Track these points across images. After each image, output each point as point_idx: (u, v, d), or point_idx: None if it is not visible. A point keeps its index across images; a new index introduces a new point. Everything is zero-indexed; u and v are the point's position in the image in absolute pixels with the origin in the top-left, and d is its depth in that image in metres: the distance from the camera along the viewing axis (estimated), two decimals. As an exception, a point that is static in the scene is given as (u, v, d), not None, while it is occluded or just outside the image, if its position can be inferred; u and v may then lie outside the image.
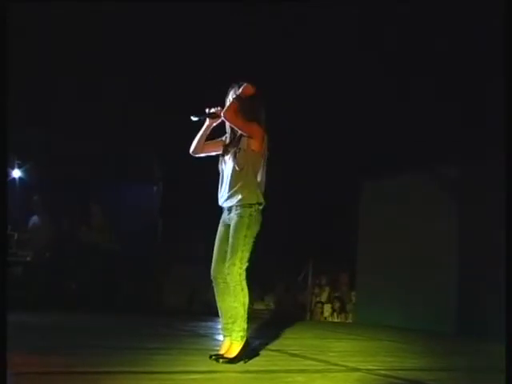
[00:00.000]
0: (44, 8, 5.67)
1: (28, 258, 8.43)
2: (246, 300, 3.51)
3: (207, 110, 3.73)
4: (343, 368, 3.65)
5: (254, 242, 3.58)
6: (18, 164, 8.74)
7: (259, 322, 7.36)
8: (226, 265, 3.52)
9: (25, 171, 8.78)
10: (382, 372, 3.57)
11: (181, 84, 7.17)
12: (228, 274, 3.51)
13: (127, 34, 6.20)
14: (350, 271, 9.31)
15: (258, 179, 3.64)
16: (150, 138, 8.14)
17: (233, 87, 3.74)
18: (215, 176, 3.81)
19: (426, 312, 7.44)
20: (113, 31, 6.07)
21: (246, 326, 3.51)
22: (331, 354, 4.40)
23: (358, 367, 3.67)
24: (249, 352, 3.55)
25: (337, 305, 9.08)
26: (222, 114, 3.63)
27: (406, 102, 7.21)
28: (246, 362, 3.48)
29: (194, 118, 3.71)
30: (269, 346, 4.48)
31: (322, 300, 9.53)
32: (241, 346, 3.48)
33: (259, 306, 9.28)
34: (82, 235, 8.63)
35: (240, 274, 3.49)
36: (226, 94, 3.77)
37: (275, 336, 5.47)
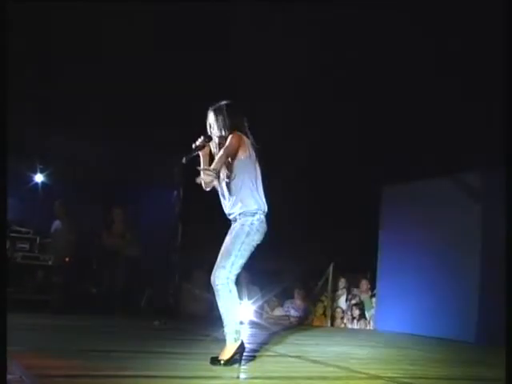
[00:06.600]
0: (45, 8, 5.69)
1: (50, 262, 8.52)
2: (235, 301, 3.51)
3: (193, 145, 3.72)
4: (365, 375, 3.63)
5: (252, 251, 3.56)
6: (41, 169, 8.83)
7: (279, 328, 7.36)
8: (215, 267, 3.54)
9: (47, 176, 8.87)
10: (404, 380, 3.54)
11: (199, 91, 7.22)
12: (216, 276, 3.50)
13: (149, 37, 6.26)
14: (370, 277, 9.26)
15: (255, 184, 3.63)
16: (170, 143, 8.18)
17: (211, 110, 3.71)
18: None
19: (448, 320, 7.35)
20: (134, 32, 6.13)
21: (238, 328, 3.51)
22: (352, 360, 4.37)
23: (380, 375, 3.65)
24: (268, 358, 3.54)
25: (356, 312, 9.03)
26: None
27: (427, 103, 7.15)
28: (240, 365, 3.46)
29: (185, 160, 3.67)
30: (289, 353, 4.48)
31: (342, 306, 9.48)
32: (234, 347, 3.46)
33: (279, 313, 9.26)
34: (104, 240, 8.70)
35: (227, 278, 3.49)
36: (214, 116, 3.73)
37: (295, 342, 5.48)
